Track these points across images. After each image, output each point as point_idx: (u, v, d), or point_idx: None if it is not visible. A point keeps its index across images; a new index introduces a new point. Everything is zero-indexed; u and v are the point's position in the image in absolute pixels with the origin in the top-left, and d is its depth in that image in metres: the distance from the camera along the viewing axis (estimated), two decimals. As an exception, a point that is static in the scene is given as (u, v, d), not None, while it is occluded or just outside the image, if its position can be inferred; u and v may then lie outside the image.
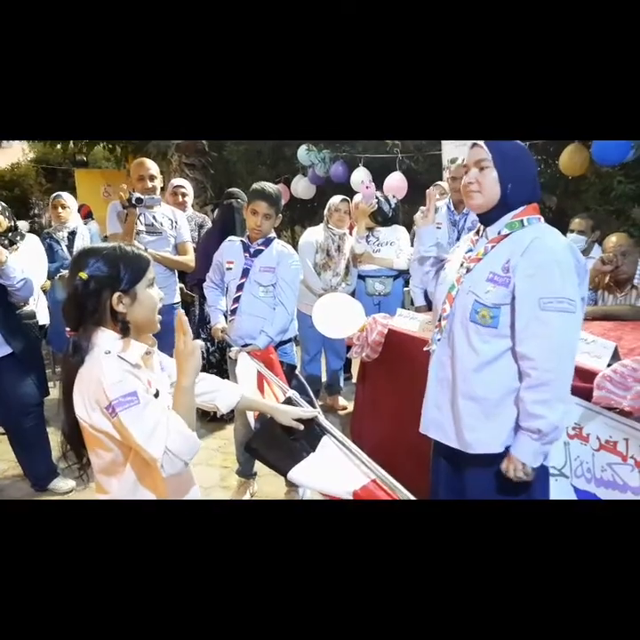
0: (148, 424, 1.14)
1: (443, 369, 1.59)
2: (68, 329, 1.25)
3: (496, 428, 1.47)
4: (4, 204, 3.70)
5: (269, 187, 2.41)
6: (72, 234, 4.18)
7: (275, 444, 1.51)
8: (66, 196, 4.21)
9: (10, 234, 3.58)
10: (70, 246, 4.19)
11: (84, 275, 1.22)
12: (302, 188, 6.30)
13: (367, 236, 3.83)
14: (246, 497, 2.75)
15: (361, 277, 3.91)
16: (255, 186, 2.41)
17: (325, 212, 3.86)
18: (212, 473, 3.10)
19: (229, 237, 2.65)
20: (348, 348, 2.98)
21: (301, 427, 1.48)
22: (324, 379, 4.06)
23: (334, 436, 1.40)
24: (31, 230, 9.04)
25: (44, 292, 4.18)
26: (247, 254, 2.48)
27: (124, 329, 1.25)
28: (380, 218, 3.80)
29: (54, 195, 4.23)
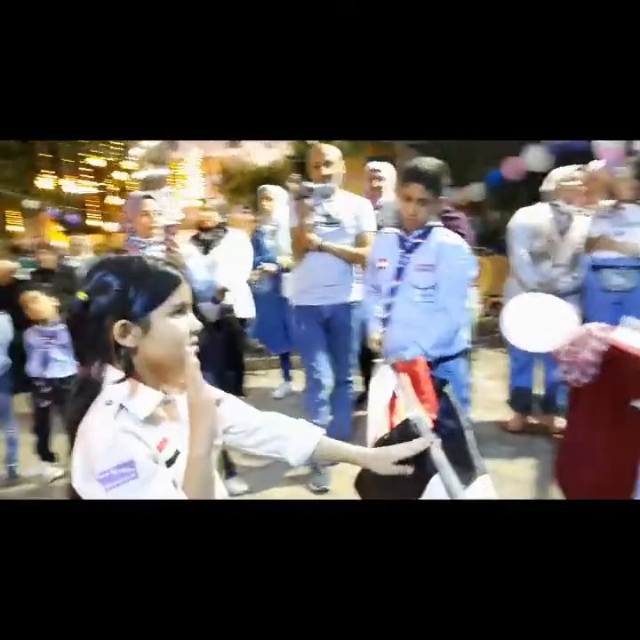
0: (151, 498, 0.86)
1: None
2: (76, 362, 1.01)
3: None
4: (223, 203, 3.86)
5: (425, 163, 1.89)
6: (277, 226, 4.17)
7: (379, 488, 1.19)
8: (271, 189, 4.21)
9: (216, 230, 3.71)
10: (274, 238, 4.19)
11: (82, 294, 0.95)
12: (537, 158, 5.38)
13: (607, 215, 2.97)
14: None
15: (594, 268, 3.05)
16: (408, 164, 1.90)
17: (548, 187, 3.11)
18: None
19: (385, 228, 2.19)
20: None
21: (408, 471, 1.10)
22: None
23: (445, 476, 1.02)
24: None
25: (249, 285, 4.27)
26: (402, 250, 1.99)
27: (126, 368, 0.94)
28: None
29: (260, 187, 4.27)
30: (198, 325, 1.00)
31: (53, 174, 11.42)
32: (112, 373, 0.94)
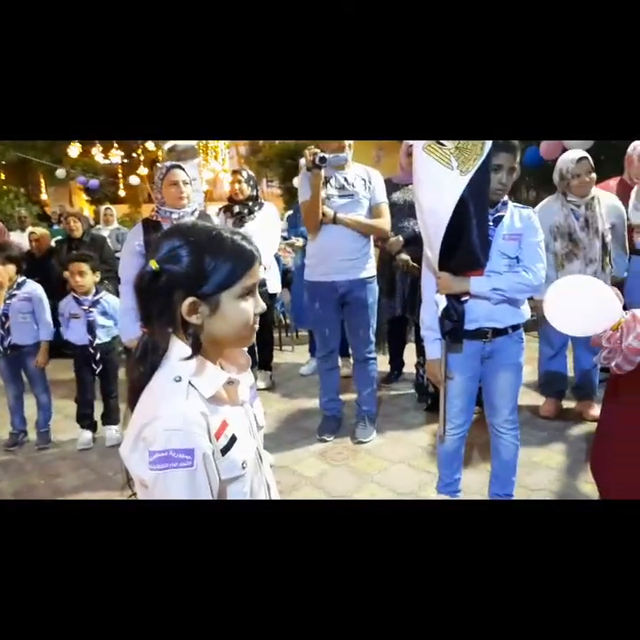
0: (188, 494, 0.84)
1: None
2: (139, 322, 0.97)
3: None
4: (250, 173, 3.80)
5: None
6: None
7: None
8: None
9: (250, 203, 3.67)
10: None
11: (154, 263, 0.89)
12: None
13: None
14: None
15: (638, 253, 2.93)
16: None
17: (557, 178, 2.91)
18: (411, 476, 2.68)
19: None
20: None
21: None
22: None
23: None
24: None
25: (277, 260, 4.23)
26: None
27: (195, 346, 0.91)
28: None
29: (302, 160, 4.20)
30: (263, 306, 0.97)
31: (83, 143, 11.42)
32: (178, 347, 0.90)
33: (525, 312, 2.06)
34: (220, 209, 3.79)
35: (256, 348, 3.83)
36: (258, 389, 3.85)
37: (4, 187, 13.85)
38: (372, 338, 3.07)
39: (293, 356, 4.73)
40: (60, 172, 13.13)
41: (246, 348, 1.06)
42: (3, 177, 15.83)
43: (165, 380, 0.89)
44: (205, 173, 12.11)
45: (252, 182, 3.64)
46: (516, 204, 2.03)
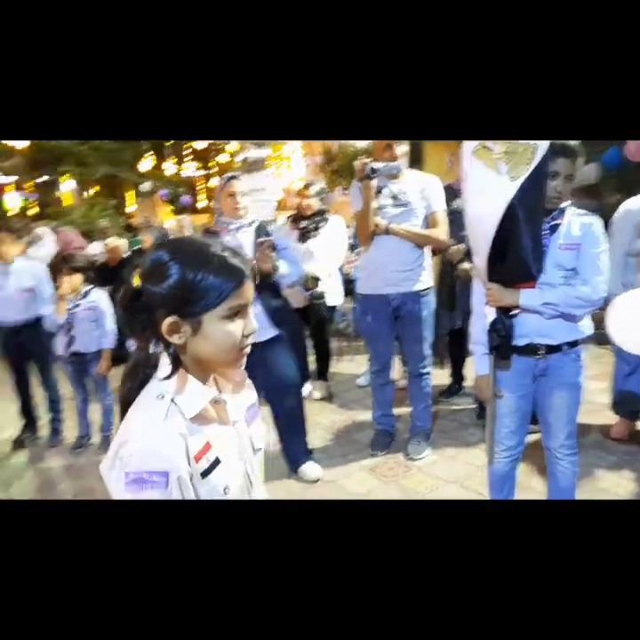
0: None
1: None
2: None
3: None
4: (322, 186, 3.81)
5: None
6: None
7: None
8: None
9: (317, 218, 3.67)
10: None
11: (137, 280, 0.88)
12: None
13: None
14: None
15: None
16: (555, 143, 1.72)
17: None
18: (462, 498, 2.54)
19: None
20: None
21: None
22: None
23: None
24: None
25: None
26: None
27: (174, 365, 0.88)
28: None
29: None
30: (253, 328, 0.91)
31: (160, 158, 12.06)
32: (165, 364, 0.88)
33: (585, 328, 1.89)
34: (288, 218, 3.82)
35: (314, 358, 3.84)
36: (315, 399, 3.88)
37: (98, 199, 14.84)
38: (427, 352, 2.96)
39: (353, 365, 4.66)
40: (145, 186, 13.87)
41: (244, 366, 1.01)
42: (97, 189, 16.99)
43: (148, 397, 0.87)
44: (281, 182, 12.37)
45: (321, 196, 3.66)
46: (578, 210, 1.87)
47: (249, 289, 0.90)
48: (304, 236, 3.61)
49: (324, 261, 3.73)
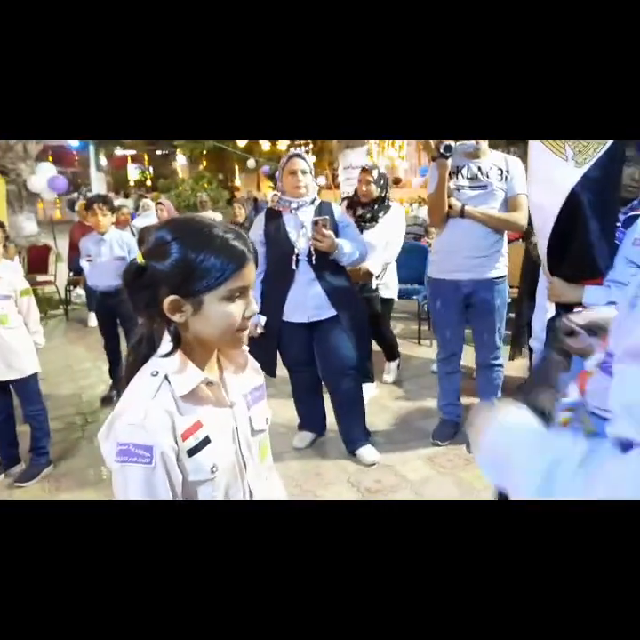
0: (145, 490, 0.85)
1: None
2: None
3: None
4: (382, 172, 3.62)
5: None
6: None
7: None
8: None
9: (376, 206, 3.44)
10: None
11: (140, 258, 0.90)
12: None
13: None
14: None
15: None
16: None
17: None
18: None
19: None
20: None
21: None
22: None
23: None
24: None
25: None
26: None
27: (175, 343, 0.91)
28: None
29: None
30: (254, 310, 0.93)
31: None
32: (166, 342, 0.91)
33: None
34: (343, 201, 3.64)
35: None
36: (383, 383, 3.79)
37: (205, 173, 15.52)
38: (499, 343, 2.83)
39: (430, 351, 4.56)
40: (251, 162, 14.29)
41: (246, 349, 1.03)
42: (205, 164, 17.75)
43: (145, 374, 0.90)
44: (382, 160, 12.20)
45: (382, 182, 3.41)
46: None
47: (250, 271, 0.91)
48: (360, 225, 3.26)
49: (380, 254, 3.39)
